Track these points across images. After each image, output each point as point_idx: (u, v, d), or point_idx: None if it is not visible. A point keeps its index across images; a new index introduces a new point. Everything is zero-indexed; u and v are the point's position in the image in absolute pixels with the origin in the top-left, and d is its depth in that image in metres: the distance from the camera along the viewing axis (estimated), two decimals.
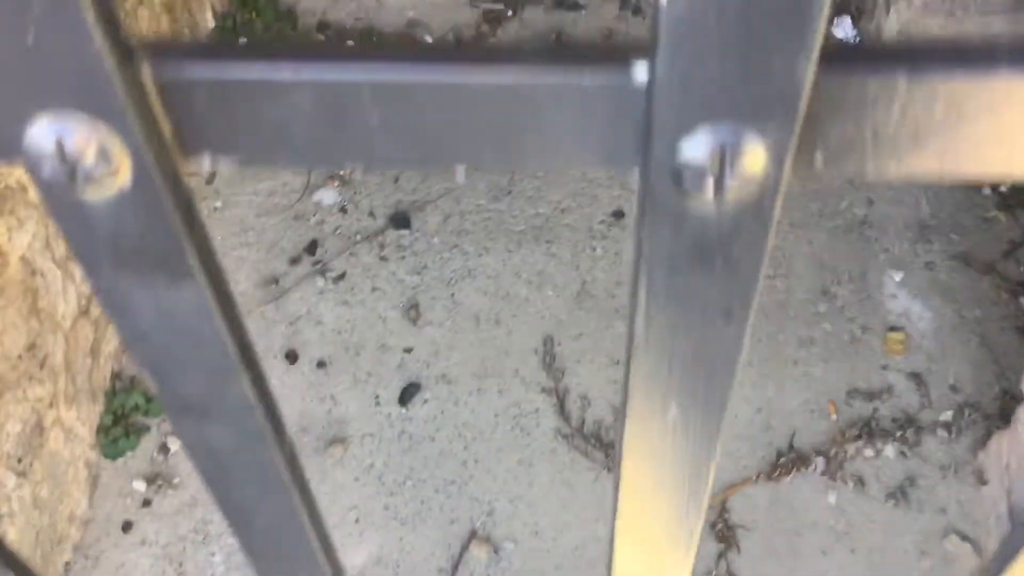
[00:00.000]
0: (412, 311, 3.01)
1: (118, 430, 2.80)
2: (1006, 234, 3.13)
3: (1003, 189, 3.23)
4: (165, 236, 0.38)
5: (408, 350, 2.94)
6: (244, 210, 3.29)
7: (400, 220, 3.21)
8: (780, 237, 3.12)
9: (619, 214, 3.18)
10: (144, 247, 0.38)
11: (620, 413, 0.46)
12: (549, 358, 2.89)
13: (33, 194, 2.50)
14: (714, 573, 2.54)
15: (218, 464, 0.49)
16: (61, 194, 0.35)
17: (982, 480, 2.61)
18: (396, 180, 3.32)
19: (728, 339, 0.41)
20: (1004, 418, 2.72)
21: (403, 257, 3.14)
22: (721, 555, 2.56)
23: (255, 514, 0.51)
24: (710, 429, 0.45)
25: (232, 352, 0.43)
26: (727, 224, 0.35)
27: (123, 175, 0.35)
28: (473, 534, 2.61)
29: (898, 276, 3.02)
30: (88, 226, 0.37)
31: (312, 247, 3.19)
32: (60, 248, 2.56)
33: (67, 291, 2.60)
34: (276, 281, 3.12)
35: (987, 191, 3.23)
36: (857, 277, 3.03)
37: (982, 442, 2.69)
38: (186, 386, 0.45)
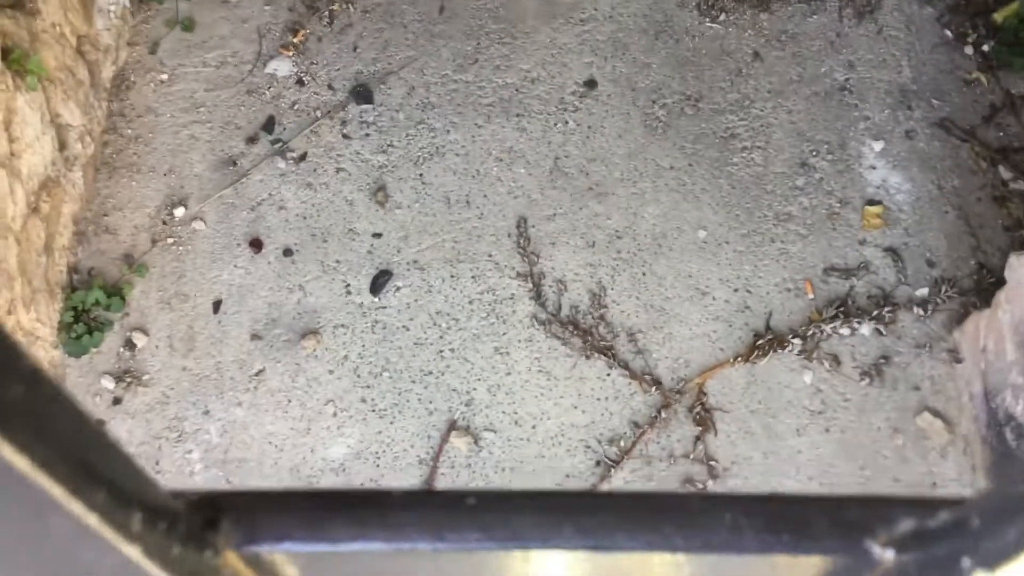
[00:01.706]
0: (379, 193, 2.89)
1: (80, 327, 2.71)
2: (987, 97, 3.05)
3: (985, 48, 3.12)
4: None
5: (377, 235, 2.84)
6: (193, 84, 3.10)
7: (362, 94, 3.04)
8: (759, 106, 3.02)
9: (591, 83, 3.04)
10: None
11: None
12: (523, 241, 2.82)
13: None
14: (692, 455, 2.57)
15: None
16: None
17: (956, 358, 2.63)
18: (355, 48, 3.12)
19: None
20: (979, 294, 2.73)
21: (367, 135, 2.99)
22: (698, 438, 2.59)
23: None
24: None
25: None
26: None
27: None
28: (452, 425, 2.61)
29: (877, 146, 2.95)
30: None
31: (269, 124, 3.03)
32: (3, 145, 2.39)
33: (14, 191, 2.44)
34: (234, 162, 2.97)
35: (969, 51, 3.12)
36: (836, 147, 2.96)
37: (957, 318, 2.70)
38: None
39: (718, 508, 0.29)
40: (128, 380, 2.69)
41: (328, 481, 2.55)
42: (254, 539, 0.31)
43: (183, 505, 0.35)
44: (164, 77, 3.10)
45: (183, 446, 2.62)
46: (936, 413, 2.60)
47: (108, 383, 2.68)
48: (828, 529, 0.29)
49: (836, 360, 2.67)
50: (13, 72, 2.47)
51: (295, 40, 3.15)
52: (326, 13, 3.18)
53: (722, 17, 3.14)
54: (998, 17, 3.12)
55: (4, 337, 0.34)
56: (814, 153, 2.94)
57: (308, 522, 0.31)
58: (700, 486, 2.52)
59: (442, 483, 2.54)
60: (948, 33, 3.13)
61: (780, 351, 2.68)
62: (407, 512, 0.29)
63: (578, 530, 0.31)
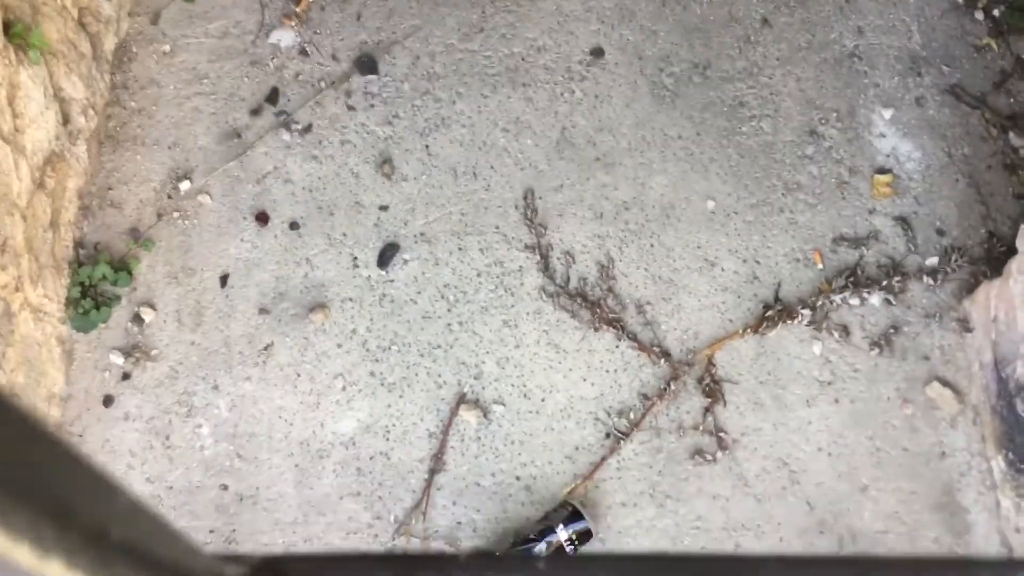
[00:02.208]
0: (385, 165, 2.87)
1: (87, 302, 2.70)
2: (998, 63, 3.01)
3: (996, 13, 3.09)
4: None
5: (383, 208, 2.83)
6: (195, 55, 3.06)
7: (366, 64, 3.01)
8: (768, 73, 2.99)
9: (598, 52, 3.01)
10: None
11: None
12: (530, 212, 2.80)
13: None
14: (701, 427, 2.57)
15: None
16: None
17: (966, 327, 2.62)
18: (359, 18, 3.09)
19: None
20: (990, 262, 2.72)
21: (372, 106, 2.96)
22: (707, 409, 2.59)
23: None
24: None
25: None
26: None
27: None
28: (462, 398, 2.61)
29: (887, 113, 2.92)
30: None
31: (273, 96, 3.00)
32: (7, 121, 2.37)
33: (19, 167, 2.42)
34: (238, 135, 2.95)
35: (980, 15, 3.08)
36: (846, 115, 2.93)
37: (967, 287, 2.69)
38: None
39: (798, 571, 0.28)
40: (137, 355, 2.68)
41: (338, 455, 2.56)
42: None
43: (245, 568, 0.34)
44: (166, 48, 3.07)
45: (193, 421, 2.62)
46: (946, 383, 2.60)
47: (117, 358, 2.68)
48: None
49: (845, 330, 2.66)
50: (15, 46, 2.44)
51: (298, 10, 3.11)
52: None
53: None
54: None
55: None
56: (823, 121, 2.92)
57: None
58: (710, 457, 2.53)
59: (452, 456, 2.55)
60: None
61: (789, 322, 2.67)
62: None
63: None
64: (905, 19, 3.05)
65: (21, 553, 0.30)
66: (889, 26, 3.05)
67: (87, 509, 0.33)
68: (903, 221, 2.78)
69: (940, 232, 2.77)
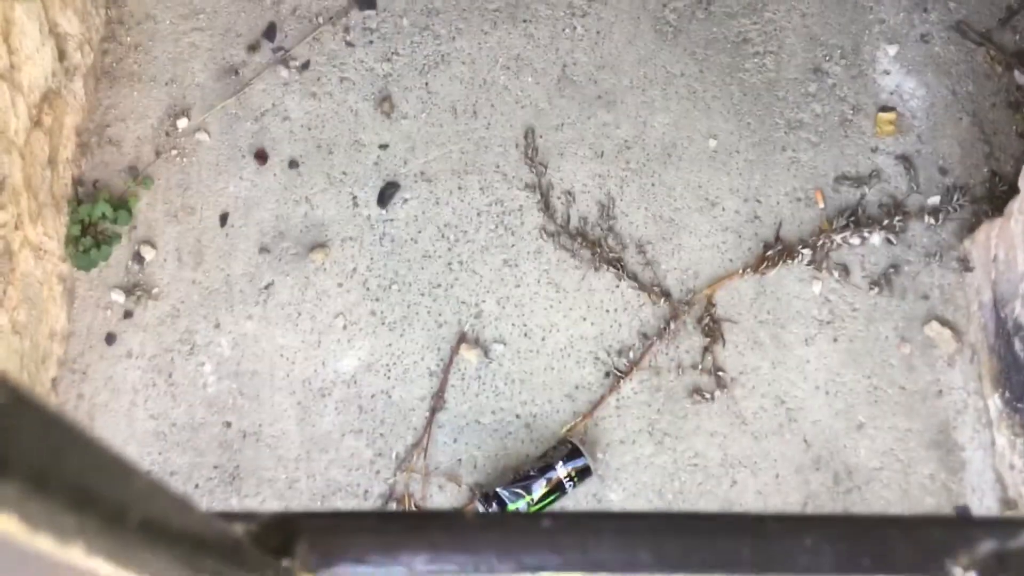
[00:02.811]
0: (385, 103, 2.85)
1: (87, 240, 2.70)
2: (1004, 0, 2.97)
3: None
4: None
5: (383, 146, 2.81)
6: None
7: None
8: (772, 8, 2.95)
9: None
10: None
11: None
12: (531, 151, 2.79)
13: None
14: (700, 366, 2.59)
15: None
16: None
17: (966, 267, 2.63)
18: None
19: None
20: (991, 201, 2.71)
21: (371, 42, 2.93)
22: (707, 348, 2.61)
23: None
24: None
25: None
26: None
27: None
28: (462, 337, 2.62)
29: (892, 50, 2.89)
30: None
31: (270, 31, 2.96)
32: (3, 57, 2.34)
33: (16, 104, 2.40)
34: (236, 71, 2.92)
35: None
36: (850, 52, 2.90)
37: (968, 227, 2.68)
38: None
39: (798, 531, 0.28)
40: (138, 293, 2.69)
41: (340, 394, 2.58)
42: (331, 562, 0.31)
43: (255, 526, 0.35)
44: None
45: (195, 359, 2.64)
46: (944, 322, 2.61)
47: (118, 296, 2.69)
48: (909, 552, 0.29)
49: (845, 270, 2.66)
50: None
51: None
52: None
53: None
54: None
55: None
56: (827, 58, 2.88)
57: (385, 545, 0.31)
58: (708, 396, 2.55)
59: (452, 395, 2.57)
60: None
61: (790, 261, 2.67)
62: (484, 535, 0.29)
63: (655, 554, 0.31)
64: None
65: (42, 541, 0.31)
66: None
67: (105, 493, 0.34)
68: (905, 160, 2.77)
69: (943, 171, 2.76)
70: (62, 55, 2.68)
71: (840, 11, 2.94)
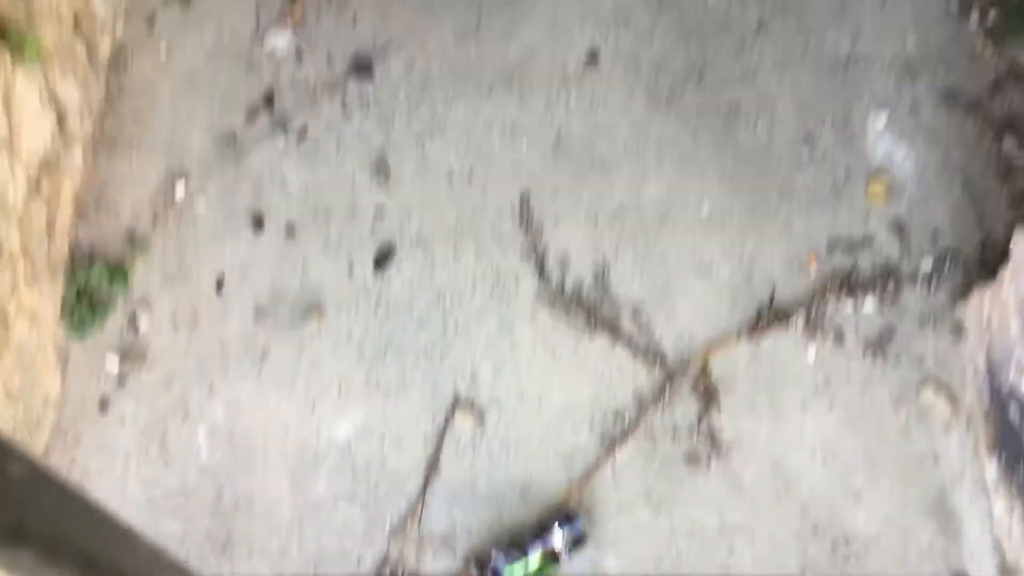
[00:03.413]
0: (381, 170, 2.87)
1: (83, 308, 2.71)
2: (992, 69, 3.02)
3: (990, 19, 3.09)
4: None
5: (379, 212, 2.83)
6: (191, 59, 3.07)
7: (362, 68, 3.01)
8: (763, 78, 2.99)
9: (594, 56, 3.01)
10: None
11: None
12: (526, 217, 2.81)
13: None
14: (696, 432, 2.58)
15: None
16: None
17: (960, 333, 2.63)
18: (354, 22, 3.09)
19: None
20: (984, 268, 2.72)
21: (368, 110, 2.96)
22: (703, 414, 2.60)
23: None
24: None
25: None
26: None
27: None
28: (457, 402, 2.61)
29: (882, 118, 2.93)
30: None
31: (269, 100, 3.00)
32: (3, 126, 2.37)
33: (15, 172, 2.43)
34: (234, 139, 2.95)
35: (974, 19, 3.09)
36: (841, 120, 2.93)
37: (961, 292, 2.69)
38: None
39: None
40: (133, 358, 2.69)
41: (334, 460, 2.56)
42: None
43: None
44: (162, 52, 3.07)
45: (189, 425, 2.63)
46: (939, 388, 2.60)
47: (113, 362, 2.68)
48: None
49: (840, 335, 2.67)
50: (11, 51, 2.44)
51: (293, 14, 3.11)
52: None
53: None
54: None
55: None
56: (819, 124, 2.92)
57: None
58: (704, 461, 2.53)
59: (447, 461, 2.55)
60: (953, 3, 3.09)
61: (784, 327, 2.68)
62: None
63: None
64: (900, 24, 3.05)
65: None
66: (884, 31, 3.05)
67: (110, 561, 0.36)
68: (897, 226, 2.79)
69: (934, 236, 2.78)
70: (62, 123, 2.72)
71: (831, 80, 2.98)
